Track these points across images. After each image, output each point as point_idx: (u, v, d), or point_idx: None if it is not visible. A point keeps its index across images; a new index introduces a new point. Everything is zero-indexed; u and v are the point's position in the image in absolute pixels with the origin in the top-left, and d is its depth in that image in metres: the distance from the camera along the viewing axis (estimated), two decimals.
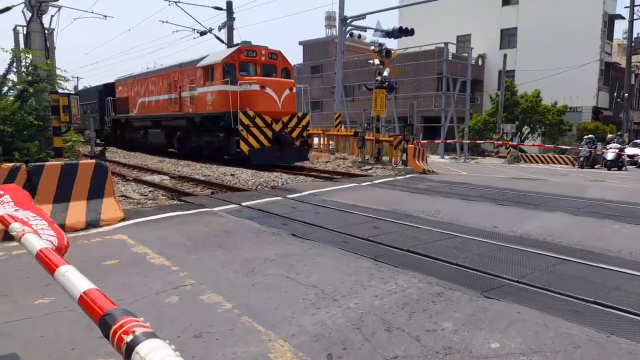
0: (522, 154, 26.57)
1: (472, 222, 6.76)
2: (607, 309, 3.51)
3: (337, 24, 25.65)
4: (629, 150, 23.82)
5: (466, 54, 32.37)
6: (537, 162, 25.19)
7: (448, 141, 27.00)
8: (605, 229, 6.56)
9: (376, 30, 24.01)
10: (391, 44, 47.41)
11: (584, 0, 34.49)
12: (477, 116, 32.21)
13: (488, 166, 21.38)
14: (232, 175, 12.84)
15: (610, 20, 37.38)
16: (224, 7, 25.55)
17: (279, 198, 8.84)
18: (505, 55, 28.63)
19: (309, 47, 48.13)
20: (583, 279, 4.24)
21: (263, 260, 4.71)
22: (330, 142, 21.40)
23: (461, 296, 3.78)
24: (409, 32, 19.42)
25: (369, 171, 14.46)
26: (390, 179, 12.43)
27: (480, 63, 38.78)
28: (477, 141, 27.83)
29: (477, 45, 36.99)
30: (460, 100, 31.24)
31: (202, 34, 26.96)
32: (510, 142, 24.91)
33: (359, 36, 26.16)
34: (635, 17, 32.04)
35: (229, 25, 25.79)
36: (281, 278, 4.19)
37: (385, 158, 17.07)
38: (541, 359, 2.76)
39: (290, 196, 8.99)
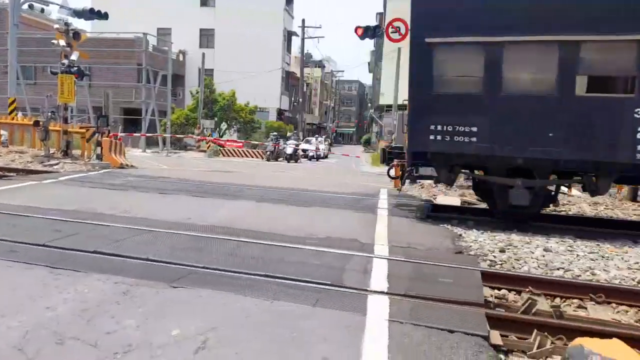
0: (221, 148, 28.46)
1: (167, 215, 6.83)
2: (273, 279, 4.18)
3: None
4: (303, 146, 28.86)
5: (167, 48, 32.13)
6: (234, 155, 27.45)
7: (150, 135, 26.31)
8: (278, 212, 7.76)
9: (62, 7, 21.00)
10: (83, 25, 42.64)
11: (268, 15, 39.44)
12: (179, 111, 32.58)
13: (190, 160, 21.96)
14: None
15: (288, 36, 44.02)
16: None
17: None
18: (203, 54, 29.90)
19: None
20: (258, 257, 4.90)
21: None
22: (2, 132, 17.60)
23: (148, 290, 3.77)
24: (102, 16, 17.79)
25: (55, 167, 12.63)
26: (82, 174, 11.21)
27: (181, 58, 39.22)
28: (179, 135, 28.21)
29: (178, 41, 37.26)
30: (162, 94, 30.79)
31: None
32: (209, 137, 26.33)
33: (42, 10, 22.35)
34: (306, 36, 38.81)
35: None
36: None
37: (77, 152, 15.24)
38: (216, 334, 3.06)
39: None
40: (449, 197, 9.82)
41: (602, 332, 3.25)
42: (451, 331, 3.24)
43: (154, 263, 4.54)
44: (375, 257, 5.09)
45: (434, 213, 8.04)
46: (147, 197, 8.54)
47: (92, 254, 4.73)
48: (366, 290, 4.03)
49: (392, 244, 5.71)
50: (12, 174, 11.08)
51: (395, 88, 31.25)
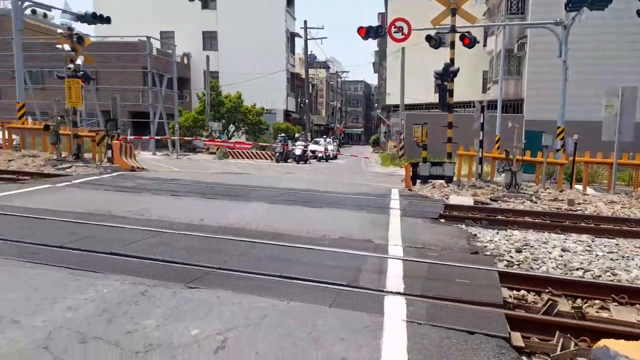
0: (231, 150, 28.53)
1: (181, 217, 6.85)
2: (289, 280, 4.17)
3: None
4: (312, 147, 28.88)
5: (170, 51, 32.29)
6: (243, 157, 27.51)
7: (158, 137, 26.47)
8: (291, 213, 7.75)
9: (64, 11, 21.20)
10: (87, 29, 43.27)
11: (270, 17, 39.54)
12: (187, 113, 32.72)
13: (200, 162, 22.06)
14: None
15: (291, 37, 44.06)
16: None
17: None
18: (208, 57, 30.00)
19: None
20: (273, 258, 4.90)
21: None
22: (14, 136, 17.81)
23: (165, 291, 3.79)
24: (104, 20, 17.94)
25: (68, 170, 12.74)
26: (94, 177, 11.30)
27: (185, 61, 39.41)
28: (187, 138, 28.38)
29: (181, 44, 37.47)
30: (168, 96, 30.99)
31: None
32: (218, 139, 26.45)
33: (45, 15, 22.53)
34: (309, 37, 38.82)
35: None
36: None
37: (88, 155, 15.37)
38: (235, 334, 3.06)
39: None
40: (462, 197, 9.76)
41: (627, 334, 3.20)
42: (471, 332, 3.21)
43: (170, 264, 4.56)
44: (390, 257, 5.07)
45: (447, 212, 8.00)
46: (160, 199, 8.58)
47: (108, 256, 4.76)
48: (382, 291, 4.01)
49: (405, 245, 5.69)
50: (26, 177, 11.19)
51: (401, 88, 31.16)
